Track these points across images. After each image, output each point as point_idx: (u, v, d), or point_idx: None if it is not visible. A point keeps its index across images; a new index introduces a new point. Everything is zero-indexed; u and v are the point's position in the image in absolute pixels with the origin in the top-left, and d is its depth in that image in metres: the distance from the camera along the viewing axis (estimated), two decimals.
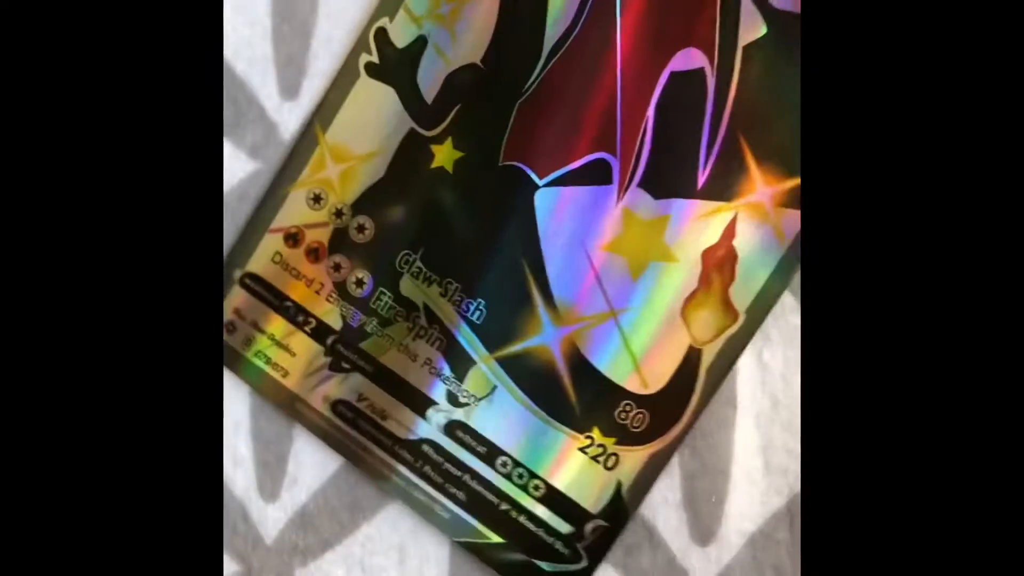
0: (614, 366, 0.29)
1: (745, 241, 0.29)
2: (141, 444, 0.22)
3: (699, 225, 0.29)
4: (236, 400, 0.31)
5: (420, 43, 0.29)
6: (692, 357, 0.29)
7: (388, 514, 0.31)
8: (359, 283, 0.30)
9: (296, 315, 0.30)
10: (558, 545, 0.30)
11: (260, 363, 0.30)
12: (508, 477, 0.30)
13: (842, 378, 0.22)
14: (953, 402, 0.21)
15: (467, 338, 0.30)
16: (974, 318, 0.21)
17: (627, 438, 0.29)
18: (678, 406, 0.29)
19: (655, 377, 0.29)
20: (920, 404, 0.22)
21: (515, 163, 0.29)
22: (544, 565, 0.30)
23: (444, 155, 0.30)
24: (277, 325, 0.30)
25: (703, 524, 0.30)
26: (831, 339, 0.22)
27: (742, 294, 0.29)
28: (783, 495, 0.30)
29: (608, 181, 0.29)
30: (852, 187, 0.22)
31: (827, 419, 0.22)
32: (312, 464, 0.31)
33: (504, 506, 0.30)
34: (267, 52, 0.30)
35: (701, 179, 0.29)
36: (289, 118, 0.30)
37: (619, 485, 0.29)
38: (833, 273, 0.22)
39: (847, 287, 0.22)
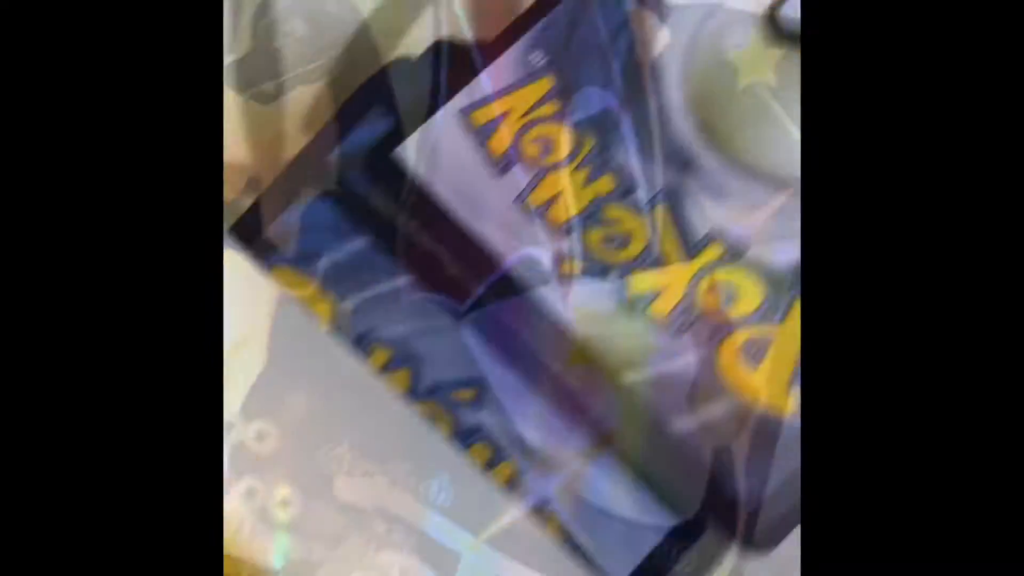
0: (630, 502, 0.23)
1: (734, 297, 0.23)
2: None
3: (669, 297, 0.23)
4: None
5: None
6: (723, 460, 0.23)
7: None
8: (284, 503, 0.24)
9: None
10: None
11: None
12: None
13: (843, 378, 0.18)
14: (958, 406, 0.18)
15: (441, 528, 0.23)
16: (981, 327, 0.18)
17: None
18: (724, 526, 0.23)
19: (684, 500, 0.23)
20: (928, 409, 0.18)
21: (424, 296, 0.23)
22: None
23: (329, 312, 0.23)
24: None
25: None
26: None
27: (753, 363, 0.23)
28: None
29: (544, 281, 0.23)
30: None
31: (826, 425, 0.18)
32: None
33: None
34: None
35: (654, 240, 0.23)
36: None
37: None
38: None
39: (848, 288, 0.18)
